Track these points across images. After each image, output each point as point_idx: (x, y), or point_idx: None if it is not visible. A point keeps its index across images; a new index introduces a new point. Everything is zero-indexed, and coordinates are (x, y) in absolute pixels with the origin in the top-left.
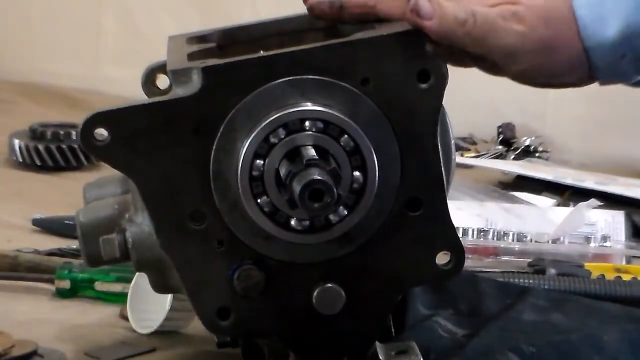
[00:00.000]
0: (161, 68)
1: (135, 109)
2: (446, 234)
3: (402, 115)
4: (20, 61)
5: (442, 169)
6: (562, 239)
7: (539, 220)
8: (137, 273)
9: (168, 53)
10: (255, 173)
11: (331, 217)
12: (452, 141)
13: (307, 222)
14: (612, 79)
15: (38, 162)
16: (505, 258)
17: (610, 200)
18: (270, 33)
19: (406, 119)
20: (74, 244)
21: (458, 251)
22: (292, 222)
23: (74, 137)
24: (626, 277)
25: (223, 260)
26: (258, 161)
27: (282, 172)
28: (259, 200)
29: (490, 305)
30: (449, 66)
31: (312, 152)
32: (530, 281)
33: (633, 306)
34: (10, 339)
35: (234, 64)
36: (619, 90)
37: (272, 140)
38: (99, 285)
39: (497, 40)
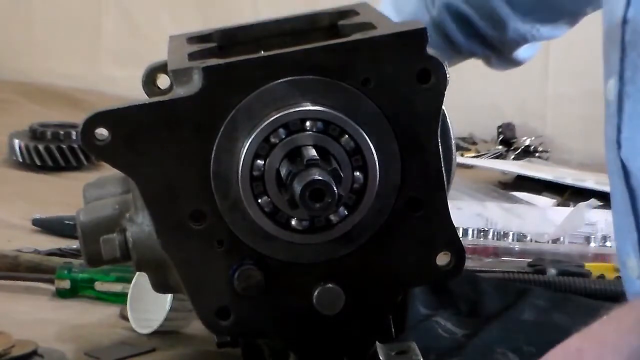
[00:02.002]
0: (162, 68)
1: (135, 108)
2: (446, 234)
3: (403, 116)
4: (20, 61)
5: (443, 169)
6: (562, 239)
7: (539, 220)
8: (137, 273)
9: (169, 53)
10: (255, 173)
11: (332, 217)
12: (453, 141)
13: (308, 222)
14: None
15: (38, 162)
16: (505, 258)
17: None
18: (270, 33)
19: (407, 119)
20: (74, 244)
21: (458, 252)
22: (293, 222)
23: (74, 137)
24: None
25: (223, 260)
26: (259, 161)
27: (283, 172)
28: (259, 201)
29: (490, 305)
30: (449, 66)
31: (312, 152)
32: (530, 281)
33: None
34: (10, 339)
35: (235, 63)
36: None
37: (273, 140)
38: (99, 285)
39: None
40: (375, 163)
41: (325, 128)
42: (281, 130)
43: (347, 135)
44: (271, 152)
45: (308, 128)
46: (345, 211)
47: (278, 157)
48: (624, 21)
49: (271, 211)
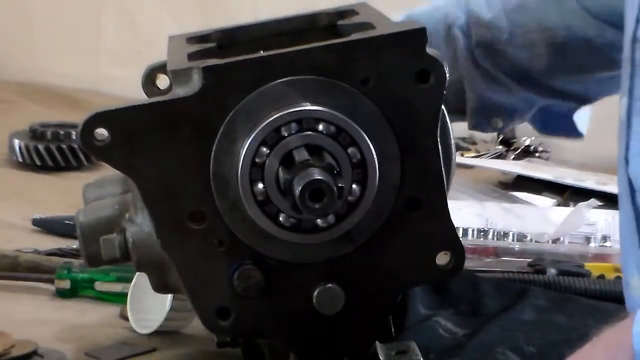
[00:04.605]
0: (161, 68)
1: (135, 108)
2: (446, 234)
3: (402, 115)
4: (20, 61)
5: (442, 169)
6: (562, 239)
7: (539, 220)
8: (137, 273)
9: (168, 53)
10: (255, 177)
11: (331, 217)
12: (452, 141)
13: (307, 222)
14: None
15: (38, 162)
16: (505, 258)
17: (610, 200)
18: (270, 33)
19: (406, 119)
20: (74, 244)
21: (458, 251)
22: (293, 222)
23: (74, 137)
24: None
25: (223, 260)
26: (258, 161)
27: (281, 179)
28: (265, 208)
29: (490, 305)
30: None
31: (304, 153)
32: (530, 281)
33: None
34: (10, 339)
35: (234, 63)
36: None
37: (270, 144)
38: (99, 285)
39: None
40: (375, 163)
41: (323, 127)
42: (275, 134)
43: (344, 134)
44: (268, 157)
45: (303, 128)
46: (345, 211)
47: (275, 162)
48: (634, 40)
49: (275, 215)
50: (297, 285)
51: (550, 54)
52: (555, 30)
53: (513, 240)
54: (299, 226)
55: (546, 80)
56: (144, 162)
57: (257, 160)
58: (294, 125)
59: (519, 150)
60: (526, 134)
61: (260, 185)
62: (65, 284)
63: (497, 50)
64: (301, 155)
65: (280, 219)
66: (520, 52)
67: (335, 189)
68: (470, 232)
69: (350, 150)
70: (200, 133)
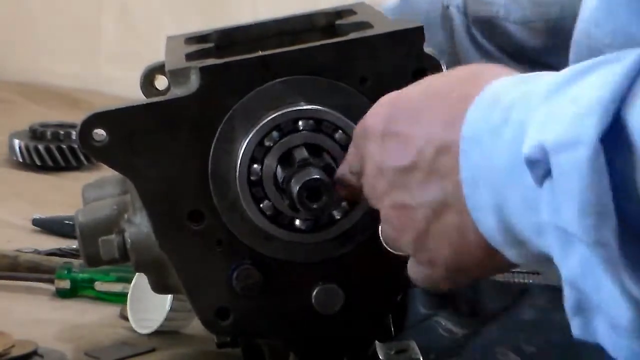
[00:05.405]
0: (160, 68)
1: (133, 109)
2: None
3: None
4: (20, 61)
5: None
6: None
7: None
8: (137, 273)
9: (166, 53)
10: (253, 178)
11: (330, 216)
12: None
13: (306, 222)
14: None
15: (38, 162)
16: None
17: None
18: (269, 33)
19: None
20: (74, 244)
21: None
22: (291, 221)
23: (74, 137)
24: None
25: (222, 260)
26: (255, 166)
27: (279, 176)
28: (261, 206)
29: (490, 305)
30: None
31: (304, 152)
32: (530, 281)
33: None
34: (10, 339)
35: (232, 63)
36: None
37: (267, 143)
38: (99, 285)
39: None
40: None
41: (318, 126)
42: (274, 133)
43: (340, 131)
44: (266, 156)
45: (301, 128)
46: (344, 210)
47: (273, 161)
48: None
49: (273, 214)
50: (296, 284)
51: (546, 31)
52: (548, 7)
53: None
54: (297, 225)
55: (541, 58)
56: (142, 162)
57: (254, 164)
58: (287, 126)
59: None
60: None
61: (260, 190)
62: (65, 284)
63: (494, 25)
64: (301, 154)
65: (279, 218)
66: (517, 29)
67: (332, 187)
68: None
69: (336, 135)
70: (199, 133)
